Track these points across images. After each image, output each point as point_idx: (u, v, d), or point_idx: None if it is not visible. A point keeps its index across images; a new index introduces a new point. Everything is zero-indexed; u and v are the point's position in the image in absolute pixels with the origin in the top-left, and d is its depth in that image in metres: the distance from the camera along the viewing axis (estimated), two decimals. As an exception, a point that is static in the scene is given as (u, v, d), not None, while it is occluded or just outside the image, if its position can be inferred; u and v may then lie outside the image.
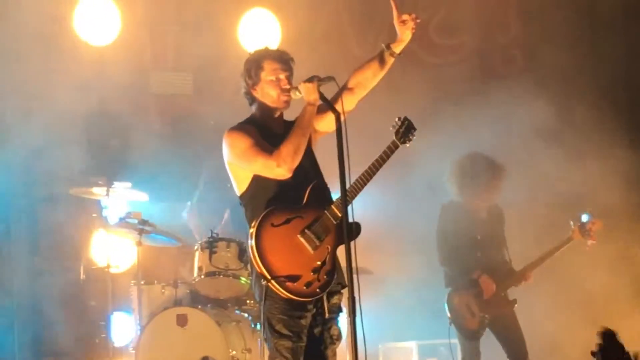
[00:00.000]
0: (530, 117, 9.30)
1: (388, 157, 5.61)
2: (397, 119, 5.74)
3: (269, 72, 5.61)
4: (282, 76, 5.60)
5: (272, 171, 5.39)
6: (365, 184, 5.51)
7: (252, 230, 5.32)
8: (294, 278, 5.29)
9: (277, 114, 5.65)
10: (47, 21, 8.76)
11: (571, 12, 10.04)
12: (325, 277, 5.38)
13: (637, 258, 9.52)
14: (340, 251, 5.34)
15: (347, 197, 5.20)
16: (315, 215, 5.42)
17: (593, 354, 2.77)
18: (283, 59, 5.66)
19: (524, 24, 10.17)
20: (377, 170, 5.55)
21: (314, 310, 5.48)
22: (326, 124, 5.52)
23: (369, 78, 5.70)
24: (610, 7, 9.98)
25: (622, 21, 9.96)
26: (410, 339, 9.47)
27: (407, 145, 5.71)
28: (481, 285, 8.18)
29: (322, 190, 5.54)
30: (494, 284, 8.18)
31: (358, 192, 5.48)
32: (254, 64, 5.67)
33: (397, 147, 5.66)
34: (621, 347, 2.73)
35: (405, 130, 5.69)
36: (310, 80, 5.40)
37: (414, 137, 5.74)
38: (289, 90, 5.57)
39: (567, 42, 9.90)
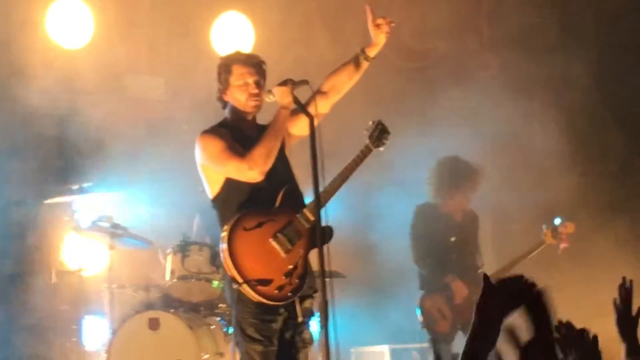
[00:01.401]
0: (503, 122, 9.33)
1: (361, 160, 5.62)
2: (371, 123, 5.75)
3: (237, 77, 5.62)
4: (250, 80, 5.60)
5: (244, 174, 5.39)
6: (338, 188, 5.52)
7: (224, 234, 5.32)
8: (265, 282, 5.30)
9: (249, 117, 5.66)
10: (18, 24, 8.71)
11: (543, 18, 10.09)
12: (297, 280, 5.39)
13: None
14: (313, 255, 5.34)
15: (320, 201, 5.21)
16: (287, 219, 5.43)
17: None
18: (251, 63, 5.66)
19: (496, 29, 10.20)
20: (350, 174, 5.57)
21: (286, 314, 5.48)
22: (301, 127, 5.52)
23: (344, 82, 5.72)
24: (582, 13, 10.04)
25: (594, 27, 10.02)
26: (382, 342, 9.47)
27: (381, 149, 5.73)
28: (453, 289, 8.18)
29: (295, 193, 5.55)
30: (466, 289, 8.19)
31: (331, 196, 5.48)
32: (223, 69, 5.69)
33: (370, 151, 5.68)
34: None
35: (379, 134, 5.72)
36: (284, 83, 5.41)
37: (388, 141, 5.75)
38: (257, 95, 5.57)
39: (539, 46, 9.95)
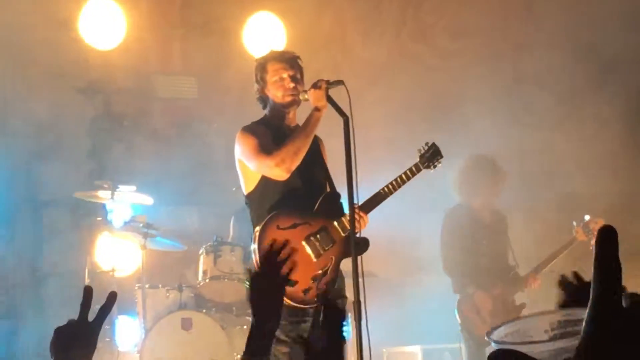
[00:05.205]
0: (533, 120, 9.28)
1: (409, 178, 5.65)
2: (425, 143, 5.78)
3: (273, 73, 5.65)
4: (285, 75, 5.61)
5: (271, 171, 5.40)
6: (380, 202, 5.55)
7: (258, 229, 5.31)
8: (291, 282, 5.28)
9: (290, 115, 5.66)
10: (52, 25, 8.75)
11: (575, 17, 10.02)
12: (324, 286, 5.37)
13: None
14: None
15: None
16: (323, 224, 5.44)
17: None
18: (285, 58, 5.69)
19: (529, 28, 10.14)
20: (396, 189, 5.59)
21: (313, 318, 5.46)
22: None
23: None
24: (613, 12, 9.95)
25: (627, 25, 9.93)
26: (414, 343, 9.42)
27: (432, 170, 5.76)
28: (475, 301, 8.12)
29: (335, 201, 5.52)
30: (489, 299, 8.12)
31: (371, 210, 5.51)
32: (259, 68, 5.72)
33: (419, 170, 5.70)
34: None
35: (431, 156, 5.75)
36: (318, 85, 5.39)
37: (439, 165, 5.77)
38: (294, 89, 5.57)
39: (571, 47, 9.88)
